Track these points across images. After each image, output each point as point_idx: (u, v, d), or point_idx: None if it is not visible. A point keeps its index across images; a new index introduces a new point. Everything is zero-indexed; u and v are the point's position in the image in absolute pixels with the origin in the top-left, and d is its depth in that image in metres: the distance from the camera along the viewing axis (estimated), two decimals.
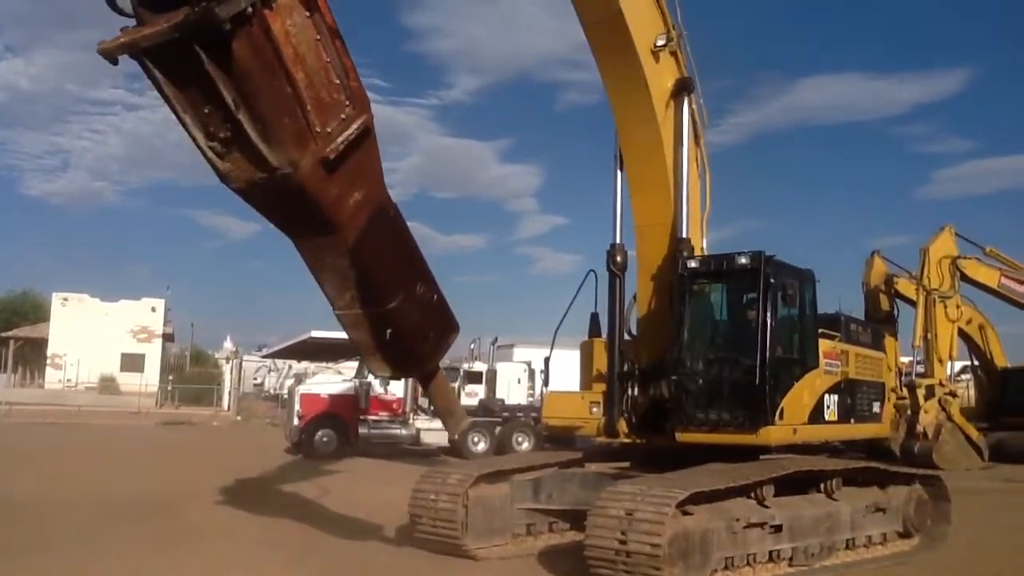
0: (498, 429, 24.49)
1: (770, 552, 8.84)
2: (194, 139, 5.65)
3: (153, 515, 11.42)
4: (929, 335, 25.76)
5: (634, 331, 10.99)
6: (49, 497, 12.54)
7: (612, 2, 9.65)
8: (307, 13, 5.48)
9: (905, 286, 27.18)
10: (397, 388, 24.89)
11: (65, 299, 53.58)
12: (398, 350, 7.02)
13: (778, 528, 8.85)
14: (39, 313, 62.40)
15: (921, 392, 25.52)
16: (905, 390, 25.69)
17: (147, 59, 5.28)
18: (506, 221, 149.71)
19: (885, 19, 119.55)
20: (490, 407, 26.16)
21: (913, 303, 26.58)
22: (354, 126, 5.93)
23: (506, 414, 25.17)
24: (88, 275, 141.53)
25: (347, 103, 5.86)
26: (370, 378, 24.93)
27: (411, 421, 24.60)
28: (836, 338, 10.90)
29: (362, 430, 23.60)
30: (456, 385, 29.22)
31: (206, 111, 5.51)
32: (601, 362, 10.81)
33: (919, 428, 25.07)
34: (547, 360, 12.38)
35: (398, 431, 24.23)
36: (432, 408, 7.50)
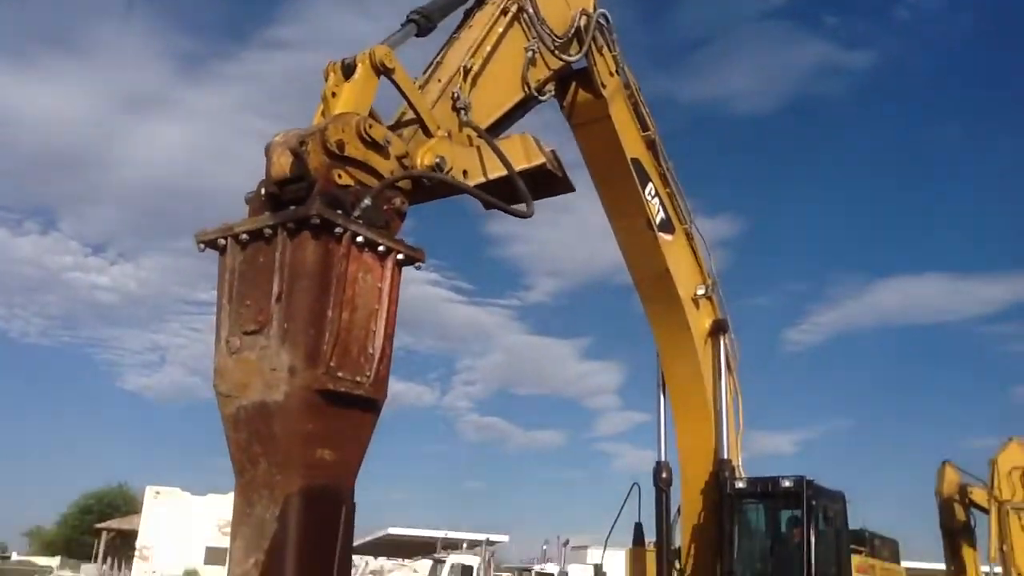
0: None
1: None
2: (218, 331, 5.80)
3: None
4: (1005, 547, 25.40)
5: (677, 542, 11.98)
6: None
7: (660, 262, 11.38)
8: (378, 284, 5.78)
9: (979, 495, 27.05)
10: None
11: (157, 492, 55.78)
12: None
13: None
14: (131, 505, 64.98)
15: None
16: None
17: (233, 242, 5.69)
18: (586, 417, 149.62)
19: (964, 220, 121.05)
20: None
21: (988, 512, 26.42)
22: (362, 391, 5.75)
23: None
24: (179, 470, 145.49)
25: (368, 376, 5.77)
26: None
27: None
28: (863, 552, 11.74)
29: None
30: None
31: (247, 303, 5.69)
32: (648, 570, 11.78)
33: None
34: (597, 567, 13.44)
35: None
36: None
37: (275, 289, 5.53)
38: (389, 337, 5.90)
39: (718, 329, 12.10)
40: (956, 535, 26.93)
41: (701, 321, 12.02)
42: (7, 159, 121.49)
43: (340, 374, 5.52)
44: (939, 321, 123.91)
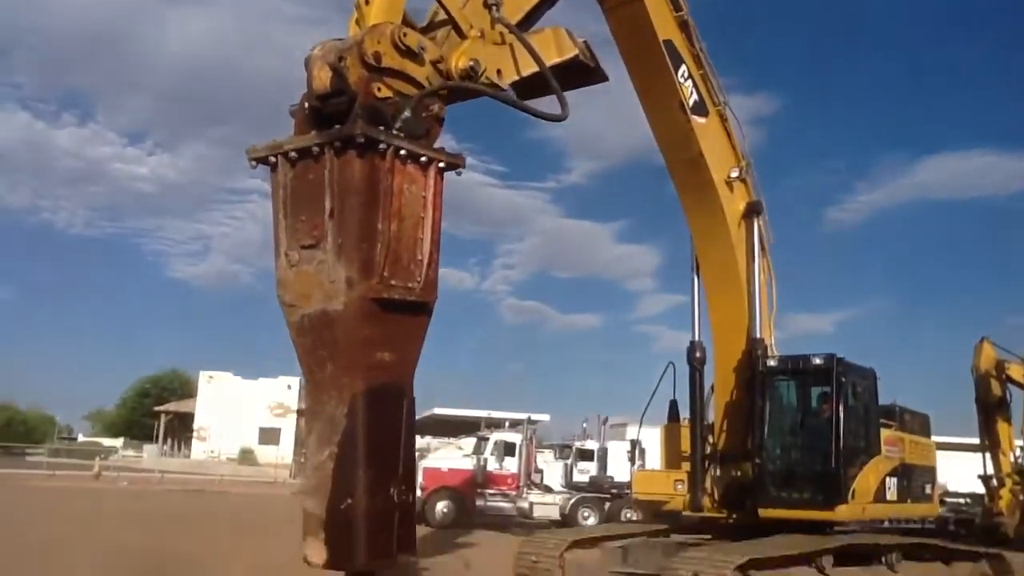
0: (607, 505, 25.81)
1: None
2: (277, 244, 6.30)
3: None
4: None
5: (710, 418, 12.43)
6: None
7: (693, 146, 11.41)
8: (423, 193, 6.24)
9: (1016, 371, 27.30)
10: (511, 464, 26.71)
11: (211, 376, 58.07)
12: (347, 535, 5.90)
13: None
14: (186, 389, 67.74)
15: None
16: (1018, 476, 25.72)
17: (283, 159, 6.16)
18: (624, 300, 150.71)
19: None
20: (600, 484, 27.53)
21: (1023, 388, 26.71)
22: (414, 296, 6.17)
23: (615, 491, 26.39)
24: (228, 354, 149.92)
25: (419, 281, 6.19)
26: (487, 454, 26.90)
27: (524, 495, 26.28)
28: (893, 426, 12.10)
29: (478, 503, 25.43)
30: (569, 463, 30.85)
31: (302, 218, 6.10)
32: (683, 444, 12.29)
33: None
34: (634, 442, 14.05)
35: (512, 505, 25.92)
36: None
37: (327, 206, 5.95)
38: (436, 242, 6.33)
39: (752, 211, 12.18)
40: (991, 410, 27.33)
41: (734, 203, 12.11)
42: (38, 45, 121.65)
43: (393, 282, 6.02)
44: (984, 195, 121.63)
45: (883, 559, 10.86)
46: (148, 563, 12.96)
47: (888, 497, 11.58)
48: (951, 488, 33.78)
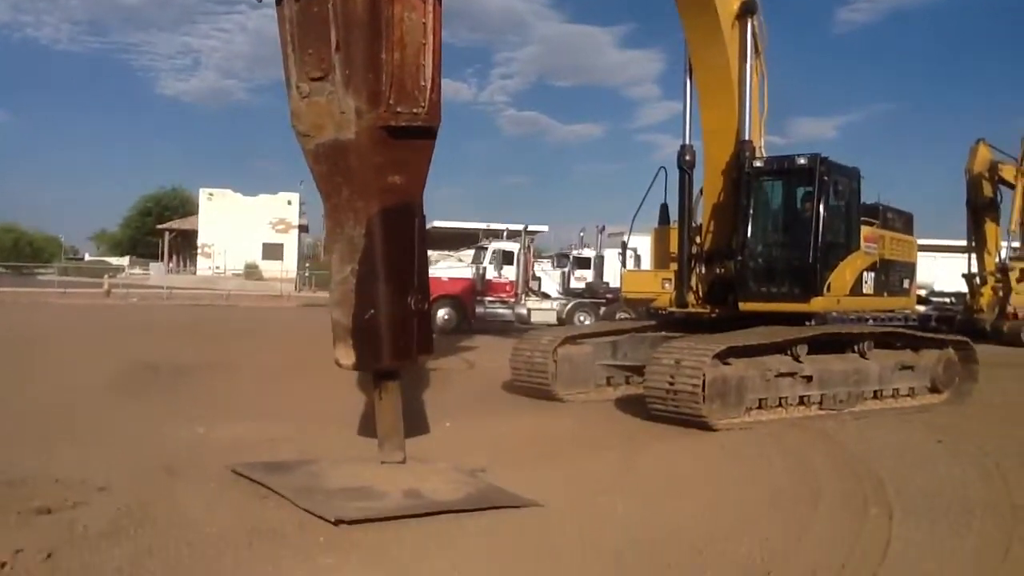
0: (602, 309, 26.81)
1: (801, 397, 10.88)
2: (288, 76, 6.70)
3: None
4: None
5: (698, 220, 12.81)
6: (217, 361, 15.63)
7: None
8: (423, 20, 6.54)
9: (1008, 171, 27.59)
10: (510, 273, 27.49)
11: (211, 194, 58.33)
12: (372, 341, 6.62)
13: (809, 378, 10.87)
14: (187, 207, 68.22)
15: (1014, 275, 26.31)
16: (999, 274, 26.54)
17: None
18: (626, 109, 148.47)
19: None
20: (596, 289, 28.48)
21: (1014, 188, 27.09)
22: (420, 121, 6.61)
23: (609, 296, 27.32)
24: (226, 171, 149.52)
25: (423, 106, 6.60)
26: (486, 263, 27.63)
27: (522, 302, 27.24)
28: (875, 224, 12.48)
29: (479, 310, 26.40)
30: (566, 271, 31.69)
31: (310, 52, 6.46)
32: (671, 245, 12.74)
33: (1010, 308, 26.00)
34: (624, 244, 14.55)
35: (511, 311, 26.91)
36: (377, 425, 7.16)
37: (332, 39, 6.30)
38: (437, 67, 6.69)
39: (746, 11, 12.00)
40: (981, 211, 27.86)
41: (728, 3, 11.93)
42: None
43: (399, 109, 6.40)
44: None
45: (855, 347, 11.54)
46: (166, 370, 13.79)
47: (864, 291, 12.11)
48: (937, 288, 34.89)
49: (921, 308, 27.60)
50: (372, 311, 6.49)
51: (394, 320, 6.58)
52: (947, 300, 31.68)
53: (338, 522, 5.67)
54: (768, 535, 5.93)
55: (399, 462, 6.86)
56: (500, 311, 26.86)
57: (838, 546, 5.74)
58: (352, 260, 6.56)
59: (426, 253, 7.14)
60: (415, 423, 7.51)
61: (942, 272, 36.48)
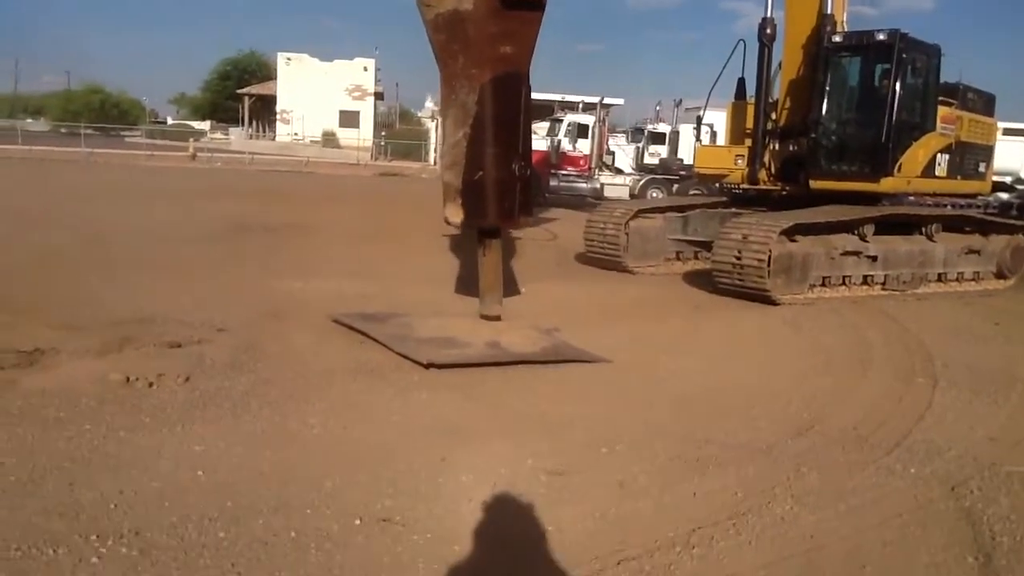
0: (675, 186, 26.90)
1: (864, 276, 11.21)
2: None
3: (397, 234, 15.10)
4: None
5: (776, 95, 12.85)
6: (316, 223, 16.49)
7: None
8: None
9: None
10: (584, 146, 27.63)
11: (288, 59, 58.55)
12: (479, 199, 7.10)
13: (874, 258, 11.16)
14: (264, 71, 68.70)
15: None
16: None
17: None
18: None
19: None
20: (669, 166, 28.48)
21: None
22: None
23: (683, 172, 27.34)
24: (302, 36, 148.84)
25: None
26: (561, 136, 27.78)
27: (596, 176, 27.48)
28: (953, 105, 12.37)
29: (552, 183, 26.73)
30: (640, 145, 31.63)
31: None
32: (747, 121, 12.86)
33: None
34: (699, 118, 14.65)
35: (584, 185, 27.19)
36: (479, 279, 7.63)
37: None
38: None
39: None
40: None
41: None
42: None
43: None
44: None
45: (923, 230, 11.72)
46: (258, 230, 14.72)
47: (937, 173, 12.14)
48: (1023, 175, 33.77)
49: (1004, 195, 26.97)
50: (480, 173, 7.01)
51: (500, 182, 7.09)
52: None
53: (429, 365, 6.41)
54: (817, 394, 6.49)
55: (497, 316, 7.52)
56: (574, 184, 27.16)
57: (880, 407, 6.27)
58: (464, 125, 7.01)
59: (531, 123, 7.61)
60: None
61: None
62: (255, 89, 62.78)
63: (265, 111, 62.60)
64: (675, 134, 30.91)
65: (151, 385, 5.68)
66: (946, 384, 6.97)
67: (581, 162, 27.48)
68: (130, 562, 3.41)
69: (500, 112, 7.00)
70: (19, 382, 5.59)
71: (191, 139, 49.35)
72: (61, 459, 4.40)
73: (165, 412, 5.20)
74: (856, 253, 11.01)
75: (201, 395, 5.56)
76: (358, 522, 3.87)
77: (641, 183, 27.78)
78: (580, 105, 30.81)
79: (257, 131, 62.98)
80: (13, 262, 10.15)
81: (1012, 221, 13.33)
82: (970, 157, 12.99)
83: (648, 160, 30.42)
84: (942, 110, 12.02)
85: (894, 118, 11.28)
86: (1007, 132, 35.17)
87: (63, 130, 58.23)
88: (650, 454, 4.96)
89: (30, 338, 6.56)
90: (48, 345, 6.44)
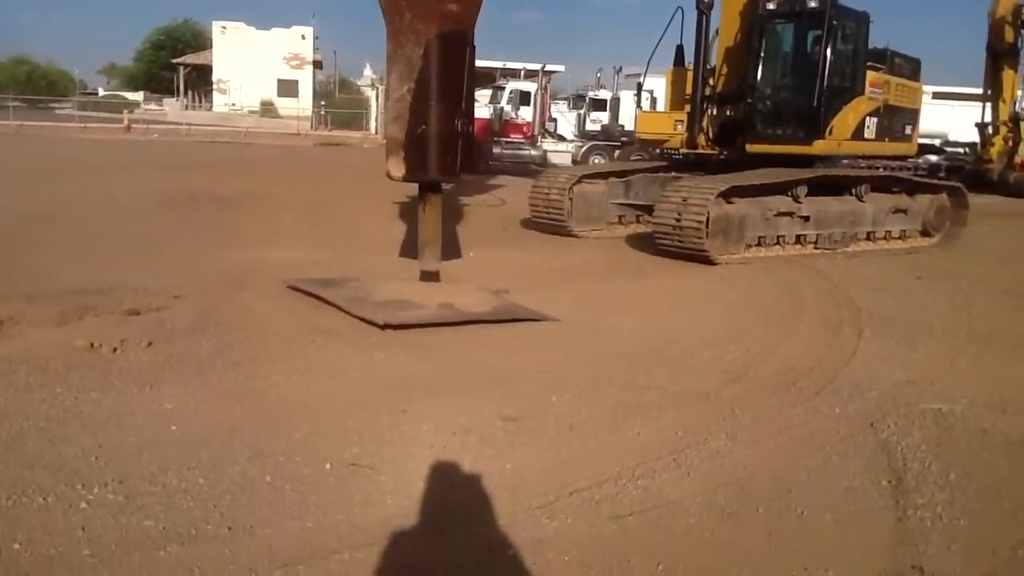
0: (617, 152, 27.29)
1: (798, 236, 11.74)
2: None
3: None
4: None
5: (713, 62, 13.24)
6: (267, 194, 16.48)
7: None
8: None
9: None
10: (527, 113, 27.86)
11: (224, 27, 57.41)
12: (421, 153, 7.31)
13: (806, 218, 11.69)
14: (200, 41, 67.26)
15: None
16: (1011, 123, 26.72)
17: None
18: None
19: None
20: (611, 132, 28.85)
21: None
22: None
23: (625, 138, 27.74)
24: (234, 3, 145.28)
25: None
26: (503, 104, 27.95)
27: (539, 143, 27.76)
28: (881, 70, 12.91)
29: (496, 150, 26.95)
30: (582, 112, 31.94)
31: None
32: (685, 87, 13.24)
33: (1018, 159, 26.36)
34: (639, 85, 15.04)
35: (528, 152, 27.45)
36: (418, 234, 7.94)
37: None
38: None
39: None
40: (1000, 57, 27.61)
41: None
42: None
43: None
44: None
45: (852, 190, 12.28)
46: (204, 200, 14.72)
47: (866, 135, 12.69)
48: (952, 138, 34.95)
49: (933, 157, 27.96)
50: (424, 127, 7.21)
51: (442, 137, 7.28)
52: (961, 150, 31.81)
53: (386, 326, 6.67)
54: (751, 346, 6.92)
55: (435, 271, 7.78)
56: (517, 152, 27.40)
57: (810, 355, 6.74)
58: (409, 79, 7.21)
59: (474, 81, 7.79)
60: (445, 251, 8.38)
61: (960, 121, 36.36)
62: (190, 59, 61.51)
63: (201, 81, 61.41)
64: (616, 101, 31.30)
65: (115, 350, 5.86)
66: (871, 333, 7.47)
67: (524, 129, 27.74)
68: (117, 506, 3.65)
69: (444, 68, 7.18)
70: None
71: (125, 111, 48.28)
72: (37, 419, 4.58)
73: (132, 374, 5.40)
74: (790, 214, 11.52)
75: (166, 358, 5.76)
76: (328, 466, 4.16)
77: (583, 149, 28.12)
78: (522, 72, 31.04)
79: (193, 102, 61.74)
80: None
81: (936, 181, 13.99)
82: (897, 120, 13.56)
83: (590, 127, 30.77)
84: (871, 75, 12.54)
85: (825, 83, 11.77)
86: (937, 96, 36.41)
87: None
88: (597, 401, 5.32)
89: None
90: (6, 316, 6.54)
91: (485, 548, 3.50)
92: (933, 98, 32.82)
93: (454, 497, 3.92)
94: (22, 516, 3.52)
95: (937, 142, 31.33)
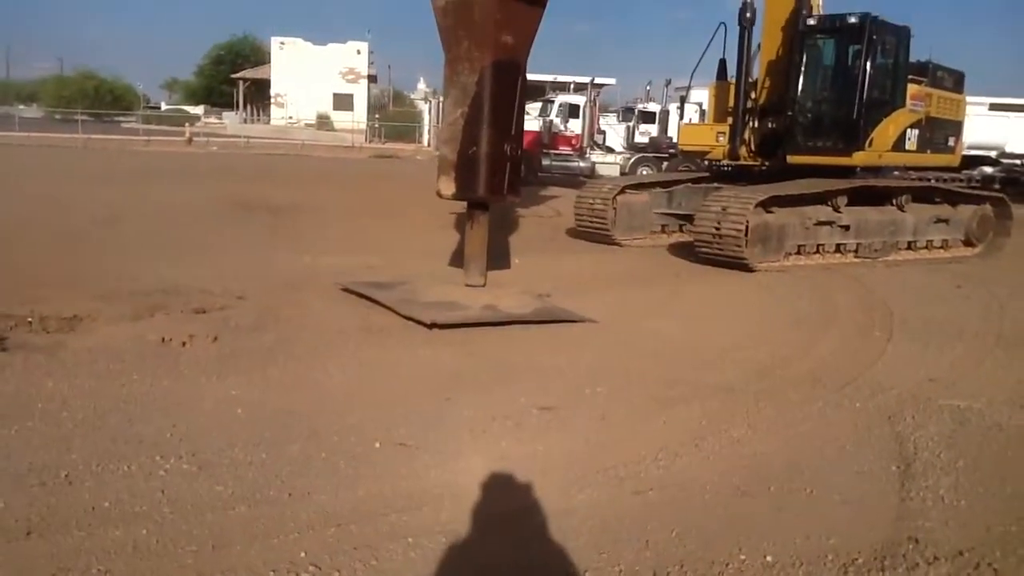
0: (665, 164, 27.54)
1: (837, 245, 11.94)
2: None
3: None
4: None
5: (755, 76, 13.50)
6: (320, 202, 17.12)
7: None
8: None
9: None
10: (576, 126, 28.25)
11: (282, 43, 58.84)
12: (470, 173, 7.74)
13: (846, 228, 11.88)
14: (258, 56, 68.92)
15: None
16: None
17: None
18: None
19: None
20: (659, 144, 29.10)
21: None
22: None
23: (672, 150, 27.92)
24: (296, 19, 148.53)
25: None
26: (552, 116, 28.39)
27: (587, 155, 28.13)
28: (923, 83, 13.05)
29: (545, 162, 27.37)
30: (631, 125, 32.22)
31: None
32: (728, 100, 13.52)
33: None
34: (683, 98, 15.35)
35: (576, 163, 27.83)
36: (464, 249, 8.34)
37: None
38: None
39: None
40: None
41: None
42: None
43: None
44: None
45: (894, 201, 12.43)
46: (260, 209, 15.36)
47: (907, 147, 12.84)
48: (1009, 149, 34.43)
49: (988, 169, 27.64)
50: (474, 148, 7.67)
51: (492, 159, 7.73)
52: (1018, 162, 31.33)
53: (432, 325, 7.11)
54: (781, 347, 7.22)
55: (480, 285, 8.22)
56: (566, 164, 27.79)
57: (838, 355, 7.01)
58: (463, 104, 7.67)
59: (524, 109, 8.29)
60: (495, 261, 8.82)
61: (1017, 133, 35.78)
62: (249, 73, 63.12)
63: (259, 95, 62.91)
64: (665, 113, 31.45)
65: (184, 344, 6.38)
66: (900, 336, 7.70)
67: (573, 141, 28.13)
68: (191, 475, 4.12)
69: (497, 94, 7.64)
70: (67, 343, 6.28)
71: (187, 124, 49.75)
72: (117, 402, 5.10)
73: (201, 365, 5.91)
74: (829, 223, 11.73)
75: (231, 352, 6.26)
76: (377, 445, 4.59)
77: (631, 161, 28.42)
78: (571, 85, 31.40)
79: (252, 115, 63.35)
80: (38, 243, 10.79)
81: (979, 192, 14.03)
82: (940, 132, 13.68)
83: (639, 139, 31.01)
84: (912, 88, 12.70)
85: (865, 96, 11.98)
86: (994, 107, 35.89)
87: (57, 116, 58.57)
88: (628, 395, 5.68)
89: (68, 308, 7.24)
90: (85, 313, 7.12)
91: (515, 514, 3.89)
92: (990, 109, 32.41)
93: (489, 472, 4.31)
94: (109, 481, 4.01)
95: (993, 154, 30.93)
